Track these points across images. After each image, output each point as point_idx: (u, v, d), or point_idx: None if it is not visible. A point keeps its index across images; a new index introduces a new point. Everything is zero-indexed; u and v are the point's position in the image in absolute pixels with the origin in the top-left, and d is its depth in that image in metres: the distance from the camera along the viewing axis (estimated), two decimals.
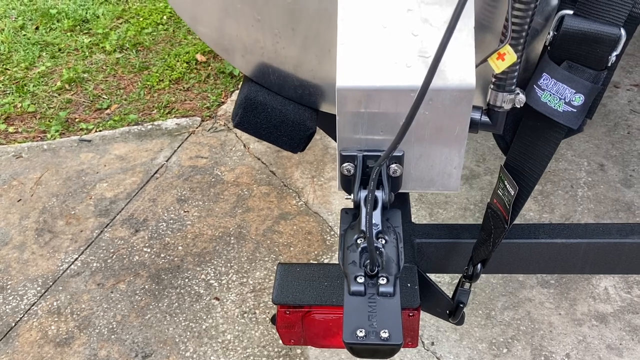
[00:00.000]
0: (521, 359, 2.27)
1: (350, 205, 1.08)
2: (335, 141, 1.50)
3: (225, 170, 3.24)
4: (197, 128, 3.59)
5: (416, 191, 1.11)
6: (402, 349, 2.31)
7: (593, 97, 1.06)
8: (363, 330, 0.90)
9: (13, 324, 2.48)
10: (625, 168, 3.16)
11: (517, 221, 1.40)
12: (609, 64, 1.03)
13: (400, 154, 1.04)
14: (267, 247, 2.77)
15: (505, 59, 0.95)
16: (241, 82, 1.34)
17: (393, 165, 1.05)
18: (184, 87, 3.99)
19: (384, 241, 1.02)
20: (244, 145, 3.42)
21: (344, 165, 1.06)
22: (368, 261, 0.98)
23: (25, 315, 2.52)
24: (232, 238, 2.83)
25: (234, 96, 3.87)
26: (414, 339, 1.43)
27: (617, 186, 3.04)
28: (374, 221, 1.03)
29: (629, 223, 1.52)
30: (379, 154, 1.04)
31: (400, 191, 1.10)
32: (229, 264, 2.69)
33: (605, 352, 2.29)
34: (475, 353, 2.30)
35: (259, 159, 3.31)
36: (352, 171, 1.06)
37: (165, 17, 4.78)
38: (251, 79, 1.28)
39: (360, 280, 0.97)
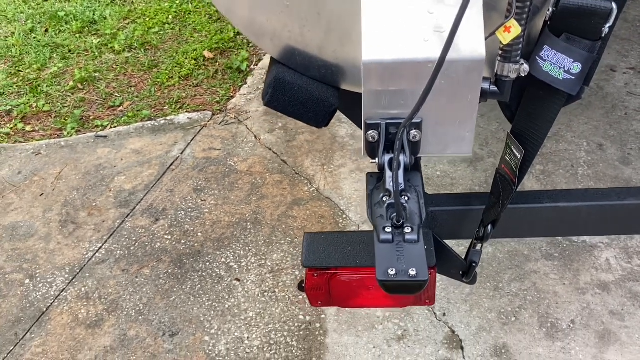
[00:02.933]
0: (529, 326, 2.40)
1: (374, 169, 1.21)
2: (348, 117, 1.64)
3: (238, 161, 3.37)
4: (208, 122, 3.71)
5: (434, 155, 1.24)
6: (416, 315, 2.43)
7: (589, 65, 1.18)
8: (394, 270, 1.03)
9: (45, 309, 2.61)
10: (623, 147, 3.29)
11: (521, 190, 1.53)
12: (603, 35, 1.15)
13: (419, 121, 1.17)
14: (283, 231, 2.90)
15: (511, 31, 1.08)
16: (269, 65, 1.46)
17: (413, 131, 1.18)
18: (193, 83, 4.12)
19: (407, 198, 1.15)
20: (255, 137, 3.54)
21: (369, 132, 1.18)
22: (394, 215, 1.10)
23: (56, 301, 2.64)
24: (248, 224, 2.95)
25: (243, 90, 3.99)
26: (431, 297, 1.55)
27: (615, 164, 3.17)
28: (399, 182, 1.15)
29: (626, 187, 1.64)
30: (400, 121, 1.16)
31: (419, 155, 1.22)
32: (247, 248, 2.82)
33: (608, 317, 2.41)
34: (485, 322, 2.43)
35: (270, 149, 3.44)
36: (376, 138, 1.18)
37: (171, 17, 4.90)
38: (279, 61, 1.41)
39: (388, 230, 1.10)
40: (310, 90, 1.39)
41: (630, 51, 4.10)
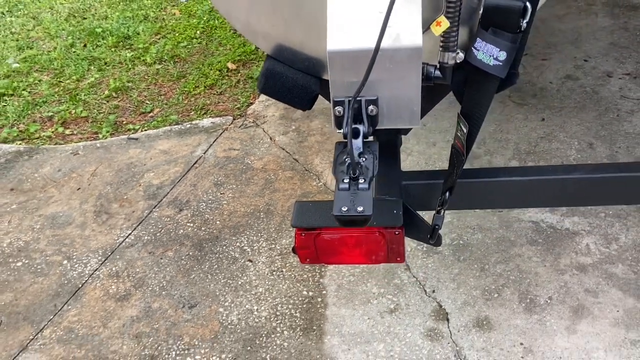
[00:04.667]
0: (510, 301, 2.65)
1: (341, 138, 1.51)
2: (326, 100, 1.94)
3: (254, 159, 3.70)
4: (229, 125, 4.06)
5: (389, 127, 1.52)
6: (408, 292, 2.69)
7: (513, 53, 1.47)
8: (346, 207, 1.33)
9: (80, 285, 2.95)
10: (612, 146, 3.51)
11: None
12: (522, 29, 1.44)
13: (375, 98, 1.47)
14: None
15: (441, 25, 1.37)
16: (264, 59, 1.78)
17: (370, 107, 1.47)
18: (217, 92, 4.48)
19: (364, 159, 1.44)
20: (270, 138, 3.87)
21: (336, 108, 1.48)
22: (351, 170, 1.40)
23: (90, 279, 2.99)
24: (261, 214, 3.27)
25: (262, 97, 4.34)
26: (401, 255, 1.83)
27: (603, 161, 3.39)
28: (357, 146, 1.45)
29: (572, 164, 1.89)
30: (360, 98, 1.46)
31: (377, 128, 1.52)
32: (259, 234, 3.13)
33: (583, 295, 2.65)
34: (470, 298, 2.68)
35: (283, 149, 3.76)
36: (341, 112, 1.48)
37: (198, 32, 5.30)
38: (270, 55, 1.72)
39: (346, 181, 1.39)
40: (295, 79, 1.70)
41: (627, 58, 4.32)
